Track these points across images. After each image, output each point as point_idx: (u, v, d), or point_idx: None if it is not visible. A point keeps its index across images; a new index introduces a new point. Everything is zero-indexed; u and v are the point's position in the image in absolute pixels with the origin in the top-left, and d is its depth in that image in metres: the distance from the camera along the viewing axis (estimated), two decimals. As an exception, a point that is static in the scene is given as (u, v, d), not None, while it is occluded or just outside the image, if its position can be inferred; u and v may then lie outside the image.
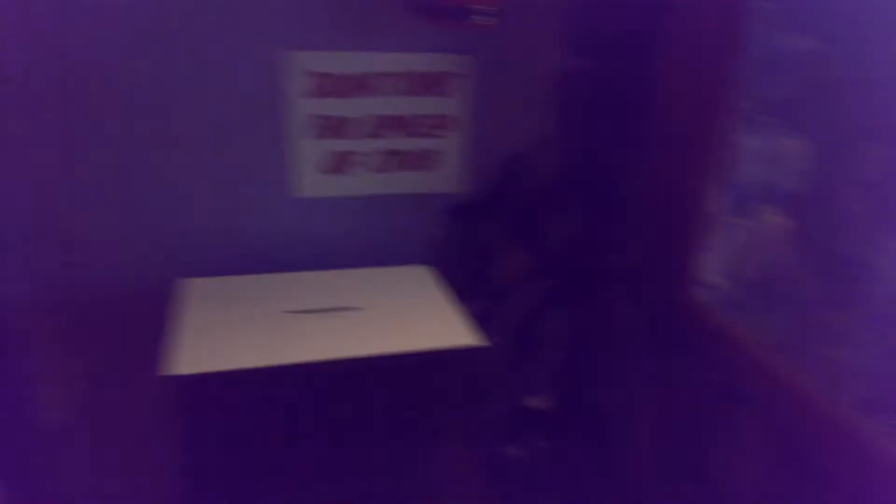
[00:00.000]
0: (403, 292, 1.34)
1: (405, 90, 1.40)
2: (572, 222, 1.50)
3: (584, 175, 1.50)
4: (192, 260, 1.39)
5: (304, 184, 1.41)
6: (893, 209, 1.06)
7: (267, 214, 1.41)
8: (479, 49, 1.41)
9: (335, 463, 1.21)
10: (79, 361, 1.43)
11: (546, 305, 1.51)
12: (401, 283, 1.37)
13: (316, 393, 1.13)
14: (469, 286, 1.45)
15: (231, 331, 1.15)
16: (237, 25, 1.27)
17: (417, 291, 1.35)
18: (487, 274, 1.49)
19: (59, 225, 1.31)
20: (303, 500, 1.23)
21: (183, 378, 1.03)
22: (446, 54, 1.39)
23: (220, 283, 1.31)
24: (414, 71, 1.39)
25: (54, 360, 1.43)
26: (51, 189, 1.29)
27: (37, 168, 1.27)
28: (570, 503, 1.62)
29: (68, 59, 1.21)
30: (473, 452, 1.52)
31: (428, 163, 1.46)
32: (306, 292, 1.30)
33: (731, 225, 1.30)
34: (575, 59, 1.46)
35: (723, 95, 1.23)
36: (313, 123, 1.37)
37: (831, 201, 1.16)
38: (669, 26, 1.27)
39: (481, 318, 1.33)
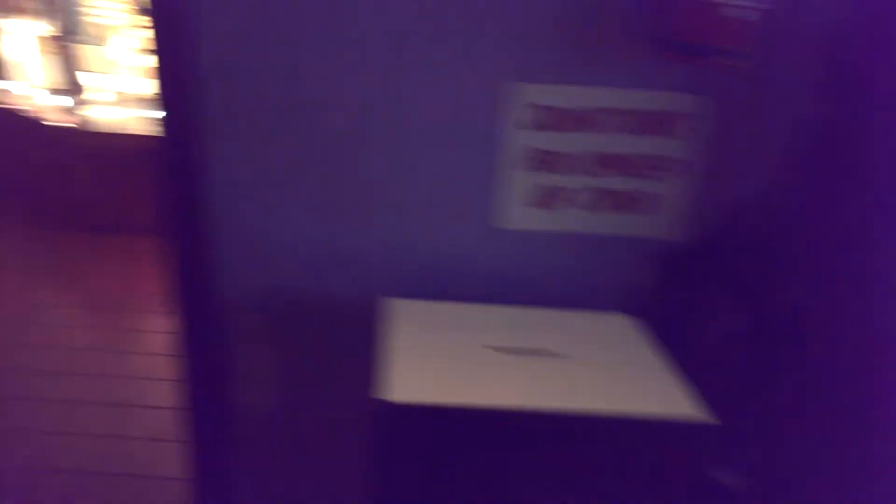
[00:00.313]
0: (608, 343, 1.26)
1: (629, 128, 1.32)
2: (799, 287, 1.33)
3: (821, 237, 1.34)
4: (393, 279, 1.40)
5: (510, 215, 1.38)
6: None
7: (468, 242, 1.39)
8: (716, 90, 1.30)
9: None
10: (283, 365, 1.51)
11: (757, 375, 1.36)
12: (604, 332, 1.29)
13: (513, 440, 1.08)
14: (672, 342, 1.34)
15: (437, 361, 1.14)
16: (466, 53, 1.27)
17: (624, 344, 1.26)
18: (694, 332, 1.37)
19: (275, 232, 1.39)
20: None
21: (392, 405, 1.02)
22: (678, 93, 1.30)
23: (424, 308, 1.31)
24: (641, 109, 1.31)
25: (261, 361, 1.51)
26: (268, 200, 1.36)
27: (293, 180, 1.35)
28: None
29: (297, 80, 1.27)
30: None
31: (643, 205, 1.38)
32: (506, 328, 1.26)
33: None
34: (830, 108, 1.30)
35: None
36: (528, 155, 1.34)
37: None
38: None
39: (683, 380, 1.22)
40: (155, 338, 3.01)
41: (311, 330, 1.47)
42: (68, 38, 3.74)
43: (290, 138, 1.32)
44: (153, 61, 1.30)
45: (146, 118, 3.97)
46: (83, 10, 4.69)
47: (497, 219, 1.38)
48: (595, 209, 1.38)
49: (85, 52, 4.19)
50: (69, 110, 3.86)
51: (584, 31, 1.26)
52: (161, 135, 1.35)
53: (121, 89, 4.56)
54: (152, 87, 1.33)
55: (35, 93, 4.44)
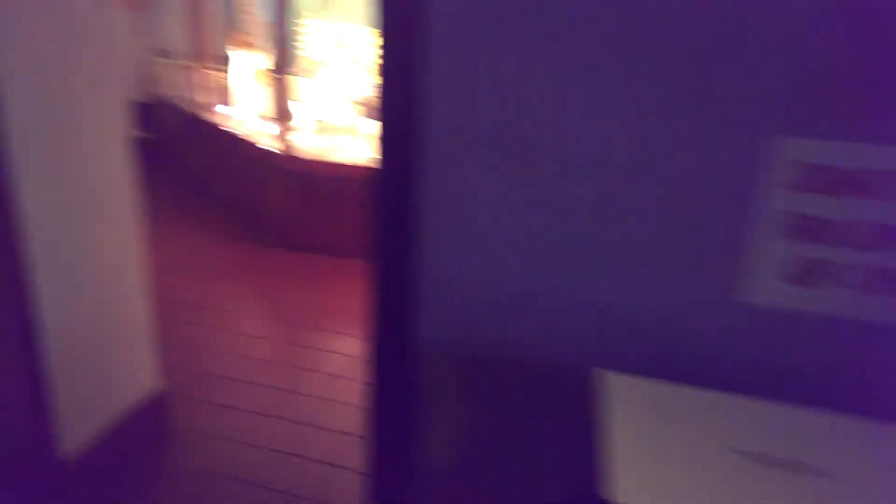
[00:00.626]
0: (886, 463, 1.00)
1: (927, 197, 1.08)
2: None
3: None
4: (611, 348, 1.25)
5: (760, 289, 1.17)
6: None
7: (706, 315, 1.21)
8: None
9: None
10: (474, 421, 1.41)
11: None
12: (880, 449, 1.04)
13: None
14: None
15: (670, 459, 0.98)
16: (723, 100, 1.10)
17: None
18: None
19: (483, 281, 1.30)
20: None
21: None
22: None
23: (650, 388, 1.14)
24: (945, 174, 1.06)
25: (451, 411, 1.43)
26: (480, 247, 1.28)
27: (508, 230, 1.27)
28: None
29: (526, 125, 1.18)
30: None
31: (938, 293, 1.11)
32: (753, 428, 1.06)
33: None
34: None
35: None
36: (789, 221, 1.13)
37: None
38: None
39: None
40: (337, 359, 3.09)
41: (508, 390, 1.36)
42: (282, 70, 4.06)
43: (510, 187, 1.23)
44: (378, 92, 1.29)
45: (347, 147, 4.19)
46: (297, 45, 5.12)
47: (743, 292, 1.18)
48: (870, 291, 1.13)
49: (295, 83, 4.54)
50: (277, 136, 4.17)
51: (872, 77, 1.04)
52: (377, 166, 1.33)
53: (325, 119, 4.90)
54: (372, 121, 1.32)
55: (250, 118, 4.89)
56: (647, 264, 1.21)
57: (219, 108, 5.16)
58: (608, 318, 1.25)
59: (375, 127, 1.32)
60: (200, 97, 5.10)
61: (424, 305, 1.36)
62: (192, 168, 5.47)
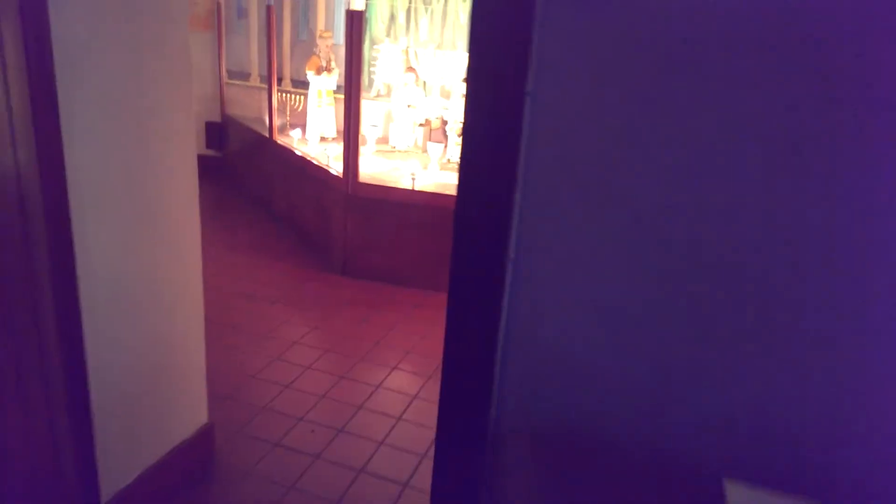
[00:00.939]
0: None
1: None
2: None
3: None
4: (743, 455, 1.02)
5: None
6: None
7: (858, 420, 0.96)
8: None
9: None
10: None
11: None
12: None
13: None
14: None
15: None
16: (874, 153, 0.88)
17: None
18: None
19: (588, 349, 1.10)
20: None
21: None
22: None
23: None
24: None
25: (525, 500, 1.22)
26: (585, 308, 1.08)
27: (625, 296, 1.07)
28: None
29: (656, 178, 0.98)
30: None
31: None
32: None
33: None
34: None
35: None
36: None
37: None
38: None
39: None
40: (396, 398, 2.92)
41: (604, 487, 1.14)
42: (353, 93, 3.98)
43: (628, 252, 1.03)
44: (463, 125, 1.12)
45: (415, 172, 4.06)
46: (370, 69, 5.08)
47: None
48: None
49: (366, 106, 4.47)
50: (345, 159, 4.08)
51: None
52: (461, 197, 1.16)
53: (394, 143, 4.80)
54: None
55: (319, 141, 4.85)
56: (789, 355, 0.97)
57: (289, 130, 5.16)
58: (743, 420, 1.01)
59: (459, 153, 1.15)
60: (271, 119, 5.11)
61: (508, 373, 1.17)
62: (257, 188, 5.48)
